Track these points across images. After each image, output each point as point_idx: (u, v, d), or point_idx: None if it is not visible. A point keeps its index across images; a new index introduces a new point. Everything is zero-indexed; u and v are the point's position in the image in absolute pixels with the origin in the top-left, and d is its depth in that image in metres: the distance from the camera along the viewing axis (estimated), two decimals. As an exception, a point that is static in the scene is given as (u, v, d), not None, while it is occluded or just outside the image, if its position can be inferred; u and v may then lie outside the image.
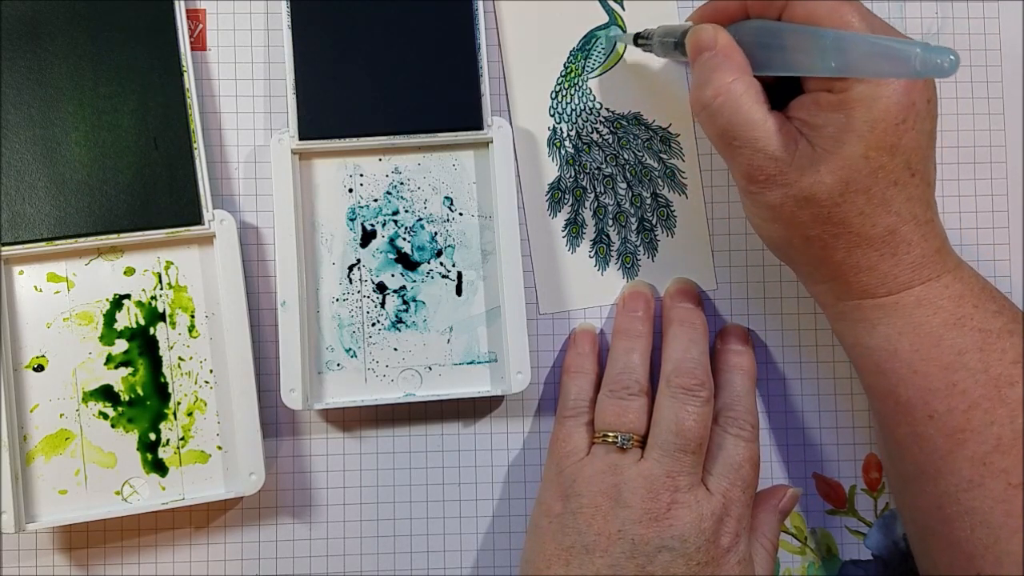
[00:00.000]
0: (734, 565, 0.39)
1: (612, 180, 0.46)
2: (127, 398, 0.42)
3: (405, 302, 0.44)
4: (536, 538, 0.41)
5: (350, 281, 0.44)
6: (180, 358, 0.43)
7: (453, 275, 0.44)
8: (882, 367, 0.38)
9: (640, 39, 0.43)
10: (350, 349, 0.44)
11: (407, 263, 0.44)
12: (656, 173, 0.46)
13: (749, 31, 0.37)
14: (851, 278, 0.37)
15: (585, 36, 0.46)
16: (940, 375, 0.37)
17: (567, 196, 0.45)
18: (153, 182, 0.42)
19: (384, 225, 0.44)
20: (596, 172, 0.46)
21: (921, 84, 0.36)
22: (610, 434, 0.40)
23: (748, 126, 0.36)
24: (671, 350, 0.42)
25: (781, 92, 0.38)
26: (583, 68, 0.46)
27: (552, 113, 0.45)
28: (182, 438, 0.43)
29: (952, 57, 0.29)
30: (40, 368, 0.42)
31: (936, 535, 0.38)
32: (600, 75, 0.46)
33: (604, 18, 0.46)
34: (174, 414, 0.43)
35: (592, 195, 0.46)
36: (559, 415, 0.43)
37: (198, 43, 0.45)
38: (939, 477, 0.37)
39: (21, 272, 0.42)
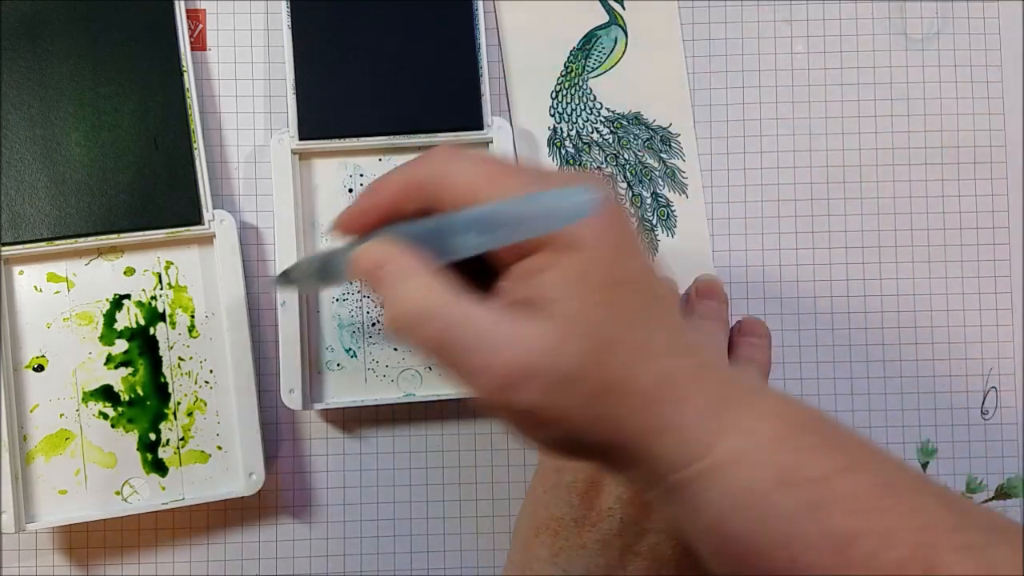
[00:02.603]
0: None
1: (612, 180, 0.46)
2: (127, 398, 0.42)
3: (405, 302, 0.44)
4: (530, 505, 0.41)
5: (350, 281, 0.44)
6: (180, 358, 0.43)
7: (453, 275, 0.44)
8: (721, 553, 0.31)
9: (283, 278, 0.38)
10: (350, 349, 0.43)
11: (407, 263, 0.44)
12: (656, 173, 0.46)
13: (409, 234, 0.32)
14: (653, 446, 0.30)
15: (585, 36, 0.46)
16: (780, 553, 0.30)
17: (567, 196, 0.45)
18: (153, 182, 0.42)
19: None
20: (596, 172, 0.46)
21: (612, 210, 0.30)
22: None
23: (458, 329, 0.30)
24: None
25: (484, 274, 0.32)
26: (583, 68, 0.46)
27: (552, 113, 0.45)
28: (182, 438, 0.43)
29: (592, 194, 0.27)
30: (40, 368, 0.42)
31: None
32: (601, 75, 0.46)
33: (605, 18, 0.46)
34: (174, 414, 0.43)
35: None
36: None
37: (198, 43, 0.45)
38: None
39: (21, 272, 0.42)
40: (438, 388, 0.44)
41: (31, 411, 0.42)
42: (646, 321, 0.30)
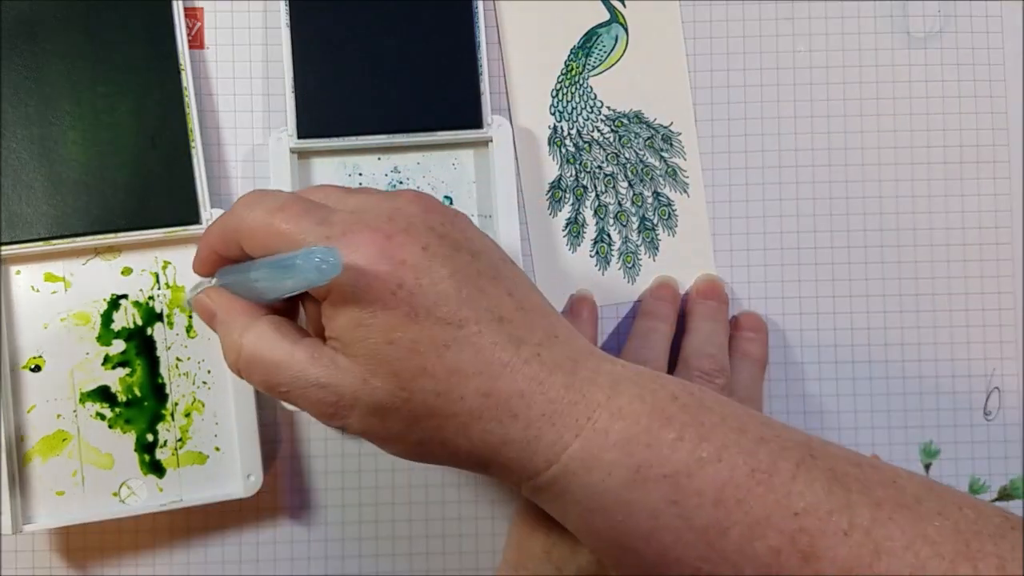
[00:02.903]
0: None
1: (613, 179, 0.45)
2: (124, 399, 0.42)
3: (405, 302, 0.44)
4: (524, 503, 0.41)
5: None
6: (178, 358, 0.43)
7: (453, 275, 0.44)
8: (597, 547, 0.32)
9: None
10: (349, 349, 0.43)
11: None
12: (657, 172, 0.46)
13: (225, 278, 0.35)
14: (498, 459, 0.31)
15: (586, 34, 0.45)
16: (647, 548, 0.30)
17: (568, 195, 0.45)
18: (151, 181, 0.42)
19: (383, 225, 0.44)
20: (597, 171, 0.45)
21: (403, 238, 0.31)
22: None
23: (280, 367, 0.32)
24: (692, 336, 0.42)
25: None
26: (584, 66, 0.45)
27: (553, 111, 0.45)
28: (180, 439, 0.42)
29: (331, 259, 0.28)
30: (37, 369, 0.42)
31: None
32: (601, 73, 0.45)
33: (605, 16, 0.45)
34: (172, 415, 0.42)
35: (593, 194, 0.45)
36: None
37: (196, 42, 0.44)
38: None
39: (18, 272, 0.42)
40: (438, 388, 0.43)
41: (28, 412, 0.42)
42: (443, 347, 0.30)
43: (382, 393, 0.31)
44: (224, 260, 0.36)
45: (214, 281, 0.36)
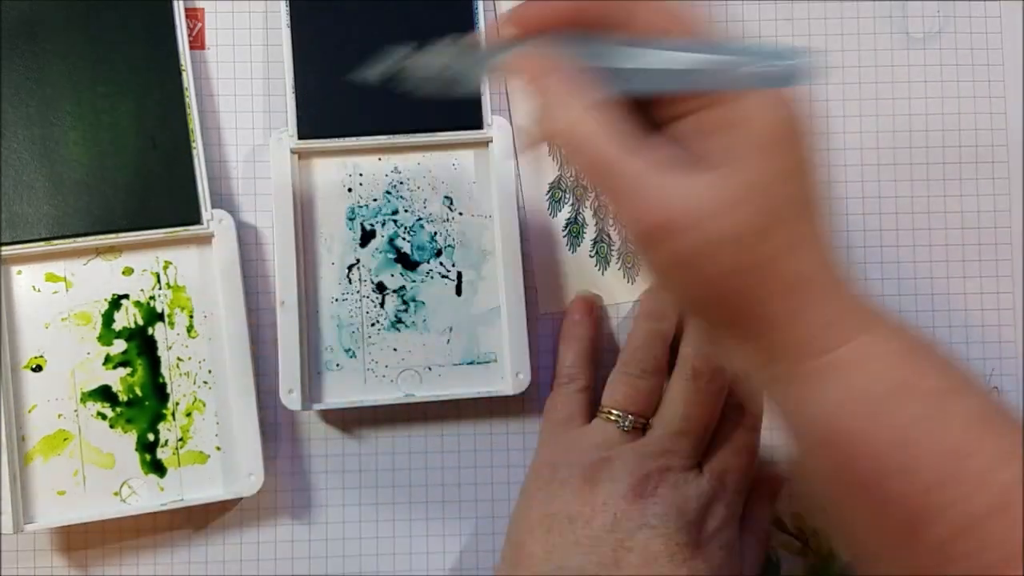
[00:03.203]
0: (716, 550, 0.38)
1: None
2: (125, 398, 0.42)
3: (405, 302, 0.44)
4: (524, 501, 0.41)
5: (349, 281, 0.44)
6: (179, 358, 0.43)
7: (453, 275, 0.44)
8: (828, 444, 0.32)
9: (390, 79, 0.33)
10: (349, 349, 0.43)
11: (407, 263, 0.44)
12: (657, 172, 0.45)
13: (588, 47, 0.30)
14: (779, 332, 0.31)
15: (585, 35, 0.45)
16: (893, 453, 0.31)
17: (567, 195, 0.45)
18: (152, 182, 0.42)
19: (383, 225, 0.44)
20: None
21: (791, 96, 0.30)
22: (614, 413, 0.40)
23: (615, 166, 0.29)
24: (692, 335, 0.42)
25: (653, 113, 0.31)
26: (583, 67, 0.45)
27: (552, 112, 0.45)
28: (181, 439, 0.42)
29: (810, 60, 0.26)
30: (38, 368, 0.42)
31: None
32: (600, 74, 0.45)
33: (604, 17, 0.45)
34: (173, 414, 0.42)
35: (593, 194, 0.45)
36: (554, 382, 0.43)
37: (197, 42, 0.44)
38: (895, 563, 0.33)
39: (19, 272, 0.42)
40: (438, 388, 0.43)
41: (29, 411, 0.42)
42: (815, 211, 0.30)
43: (740, 227, 0.29)
44: (564, 23, 0.30)
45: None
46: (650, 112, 0.31)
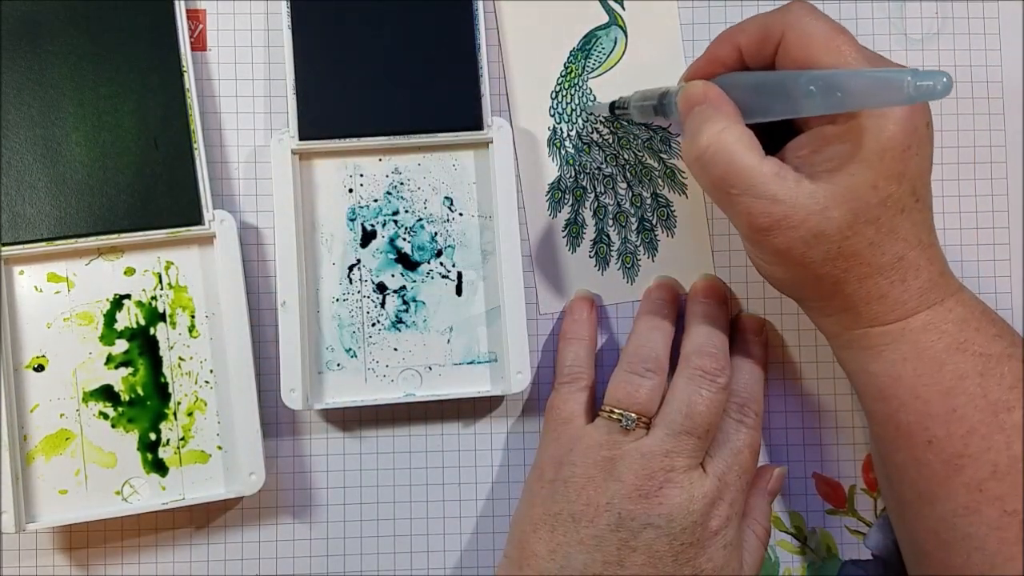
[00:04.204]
0: (719, 549, 0.39)
1: (612, 180, 0.46)
2: (127, 398, 0.42)
3: (405, 302, 0.44)
4: (527, 500, 0.41)
5: (350, 281, 0.44)
6: (180, 358, 0.43)
7: (453, 275, 0.44)
8: (884, 393, 0.38)
9: (617, 108, 0.44)
10: (350, 349, 0.44)
11: (407, 263, 0.44)
12: (656, 173, 0.46)
13: (738, 84, 0.37)
14: (862, 308, 0.37)
15: (585, 36, 0.46)
16: (940, 400, 0.37)
17: (567, 196, 0.45)
18: (153, 182, 0.42)
19: (384, 225, 0.44)
20: (596, 172, 0.46)
21: (921, 108, 0.36)
22: (616, 411, 0.40)
23: (744, 172, 0.35)
24: (692, 335, 0.42)
25: (774, 138, 0.38)
26: (583, 68, 0.46)
27: (552, 113, 0.45)
28: (182, 438, 0.43)
29: (945, 79, 0.30)
30: (40, 368, 0.42)
31: (933, 560, 0.38)
32: (600, 75, 0.46)
33: (604, 18, 0.46)
34: (174, 414, 0.43)
35: (592, 195, 0.46)
36: (555, 381, 0.43)
37: (198, 43, 0.45)
38: (936, 502, 0.37)
39: (21, 272, 0.42)
40: (438, 388, 0.44)
41: (31, 411, 0.42)
42: (900, 210, 0.36)
43: (832, 225, 0.35)
44: (731, 63, 0.39)
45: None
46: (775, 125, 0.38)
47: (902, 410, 0.38)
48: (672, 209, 0.46)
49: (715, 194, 0.37)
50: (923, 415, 0.37)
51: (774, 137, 0.38)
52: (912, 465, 0.38)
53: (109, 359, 0.42)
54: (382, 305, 0.44)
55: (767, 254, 0.37)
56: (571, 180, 0.45)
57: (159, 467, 0.42)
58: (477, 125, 0.43)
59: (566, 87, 0.45)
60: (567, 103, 0.45)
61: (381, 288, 0.44)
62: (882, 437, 0.39)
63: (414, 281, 0.44)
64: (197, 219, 0.42)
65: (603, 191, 0.46)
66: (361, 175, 0.44)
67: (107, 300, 0.43)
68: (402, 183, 0.44)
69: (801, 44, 0.36)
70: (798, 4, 0.37)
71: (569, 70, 0.46)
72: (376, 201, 0.44)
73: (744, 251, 0.46)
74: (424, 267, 0.44)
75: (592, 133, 0.46)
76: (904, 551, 0.41)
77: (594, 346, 0.44)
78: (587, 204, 0.46)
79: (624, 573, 0.38)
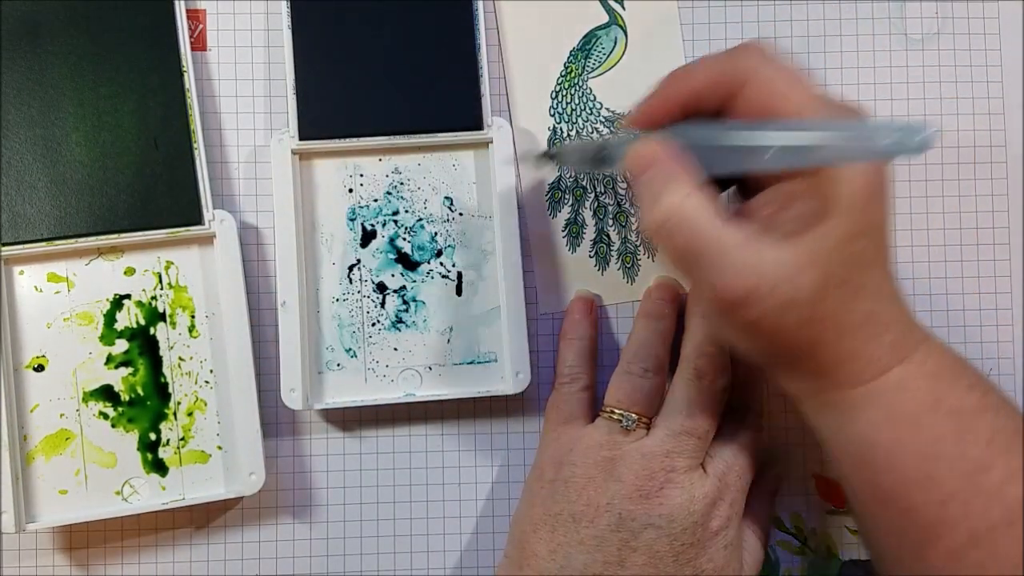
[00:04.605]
0: (720, 549, 0.39)
1: (612, 180, 0.46)
2: (127, 398, 0.42)
3: (405, 302, 0.44)
4: (527, 500, 0.41)
5: (350, 281, 0.44)
6: (180, 358, 0.43)
7: (453, 275, 0.44)
8: (862, 459, 0.36)
9: (546, 156, 0.41)
10: (350, 349, 0.44)
11: (407, 263, 0.44)
12: (656, 173, 0.46)
13: (695, 137, 0.34)
14: (836, 370, 0.35)
15: (585, 36, 0.46)
16: (917, 466, 0.35)
17: (567, 196, 0.45)
18: (153, 182, 0.42)
19: (384, 225, 0.44)
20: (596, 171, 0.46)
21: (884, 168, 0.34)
22: (616, 412, 0.40)
23: (710, 244, 0.33)
24: (693, 335, 0.42)
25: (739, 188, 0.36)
26: (583, 68, 0.46)
27: (552, 113, 0.45)
28: (182, 438, 0.43)
29: (930, 133, 0.28)
30: (40, 368, 0.42)
31: None
32: (601, 75, 0.46)
33: (604, 18, 0.46)
34: (174, 414, 0.43)
35: (592, 195, 0.46)
36: (555, 382, 0.43)
37: (198, 43, 0.45)
38: (915, 565, 0.36)
39: (21, 272, 0.42)
40: (438, 388, 0.44)
41: (31, 411, 0.42)
42: (869, 266, 0.34)
43: (804, 291, 0.33)
44: (680, 112, 0.36)
45: (658, 135, 0.35)
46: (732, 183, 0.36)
47: (879, 477, 0.36)
48: (672, 209, 0.46)
49: (679, 265, 0.34)
50: (900, 482, 0.35)
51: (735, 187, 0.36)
52: (891, 532, 0.36)
53: (109, 359, 0.42)
54: (382, 305, 0.44)
55: (737, 327, 0.35)
56: (571, 180, 0.45)
57: (159, 467, 0.42)
58: (477, 125, 0.43)
59: (566, 87, 0.45)
60: (567, 103, 0.45)
61: (381, 288, 0.44)
62: (859, 501, 0.38)
63: (414, 281, 0.44)
64: (197, 219, 0.42)
65: (603, 191, 0.46)
66: (361, 175, 0.44)
67: (107, 300, 0.43)
68: (402, 183, 0.44)
69: (763, 93, 0.33)
70: (755, 48, 0.35)
71: (569, 70, 0.46)
72: (376, 201, 0.44)
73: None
74: (424, 267, 0.44)
75: (592, 133, 0.46)
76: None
77: (594, 346, 0.44)
78: (587, 204, 0.46)
79: (624, 573, 0.38)
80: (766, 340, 0.35)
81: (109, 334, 0.42)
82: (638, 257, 0.45)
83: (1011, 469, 0.34)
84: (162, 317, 0.43)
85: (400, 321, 0.44)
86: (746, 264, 0.33)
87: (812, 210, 0.33)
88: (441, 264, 0.44)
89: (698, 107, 0.35)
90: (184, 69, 0.43)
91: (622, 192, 0.46)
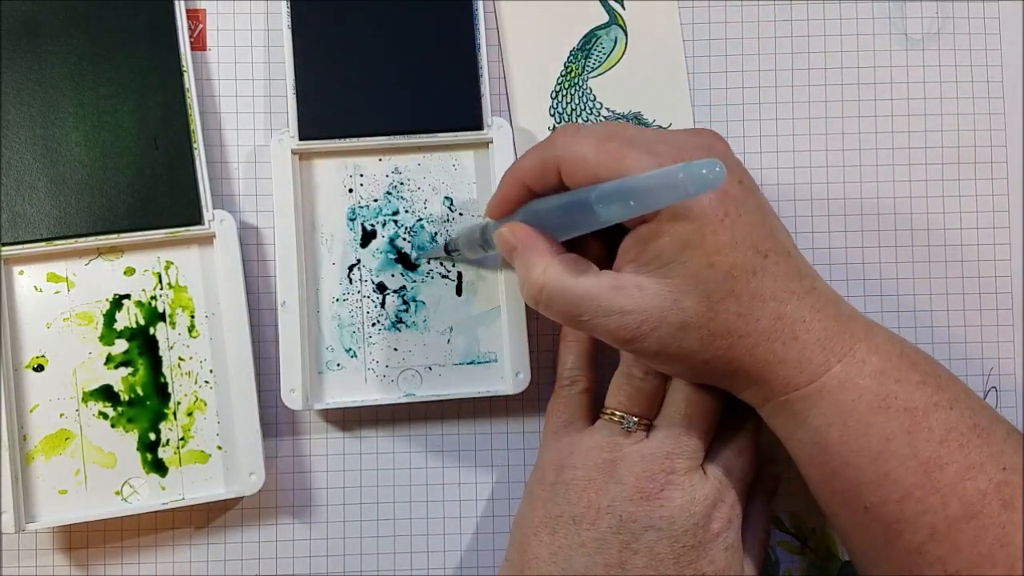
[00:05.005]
0: (721, 551, 0.39)
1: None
2: (127, 398, 0.42)
3: (405, 302, 0.44)
4: (528, 503, 0.41)
5: (350, 281, 0.44)
6: (180, 358, 0.43)
7: (453, 275, 0.44)
8: (815, 460, 0.37)
9: (450, 250, 0.43)
10: (350, 349, 0.44)
11: (407, 263, 0.44)
12: (656, 173, 0.46)
13: (539, 212, 0.37)
14: (768, 377, 0.36)
15: (585, 36, 0.46)
16: (871, 466, 0.35)
17: (567, 196, 0.45)
18: (153, 182, 0.42)
19: (384, 225, 0.44)
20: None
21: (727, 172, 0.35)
22: (617, 414, 0.40)
23: (584, 299, 0.35)
24: None
25: (611, 237, 0.37)
26: (583, 68, 0.46)
27: (552, 113, 0.45)
28: (182, 438, 0.43)
29: (717, 168, 0.29)
30: (40, 368, 0.42)
31: None
32: (601, 75, 0.46)
33: (604, 17, 0.46)
34: (174, 414, 0.43)
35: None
36: (555, 384, 0.43)
37: (198, 43, 0.45)
38: (880, 561, 0.37)
39: (21, 272, 0.42)
40: (438, 388, 0.44)
41: (31, 411, 0.42)
42: (753, 272, 0.34)
43: (690, 313, 0.34)
44: (525, 196, 0.38)
45: (514, 218, 0.38)
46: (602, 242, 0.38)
47: (834, 478, 0.36)
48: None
49: (571, 325, 0.36)
50: (856, 483, 0.36)
51: (610, 237, 0.37)
52: (852, 528, 0.37)
53: (109, 359, 0.42)
54: (382, 305, 0.44)
55: (649, 359, 0.36)
56: (571, 180, 0.45)
57: (159, 467, 0.42)
58: (477, 125, 0.43)
59: (566, 87, 0.45)
60: (567, 103, 0.45)
61: (381, 288, 0.44)
62: (821, 501, 0.38)
63: (414, 281, 0.44)
64: (197, 219, 0.42)
65: (603, 191, 0.46)
66: (361, 175, 0.44)
67: (107, 300, 0.43)
68: (402, 183, 0.44)
69: (578, 168, 0.35)
70: (561, 131, 0.36)
71: (569, 70, 0.46)
72: (376, 201, 0.44)
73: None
74: (424, 267, 0.44)
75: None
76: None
77: (594, 349, 0.44)
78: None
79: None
80: (683, 363, 0.36)
81: (109, 334, 0.42)
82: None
83: (968, 463, 0.35)
84: (162, 317, 0.43)
85: (400, 321, 0.44)
86: (626, 304, 0.34)
87: (668, 245, 0.34)
88: (441, 264, 0.44)
89: (536, 193, 0.38)
90: (184, 69, 0.43)
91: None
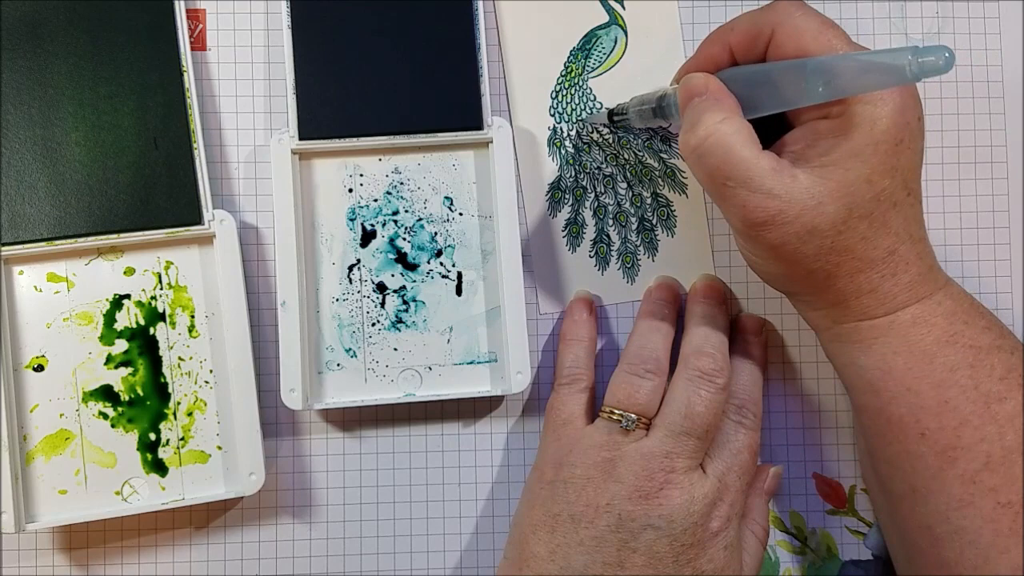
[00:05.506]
0: (720, 550, 0.39)
1: (612, 180, 0.46)
2: (127, 398, 0.42)
3: (405, 302, 0.44)
4: (527, 501, 0.41)
5: (350, 281, 0.44)
6: (180, 358, 0.43)
7: (453, 275, 0.44)
8: (875, 386, 0.38)
9: (616, 115, 0.44)
10: (350, 349, 0.44)
11: (407, 263, 0.44)
12: (656, 173, 0.46)
13: (737, 77, 0.37)
14: (852, 303, 0.37)
15: (585, 35, 0.46)
16: (932, 393, 0.37)
17: (567, 196, 0.45)
18: (153, 182, 0.42)
19: (384, 225, 0.44)
20: (596, 172, 0.46)
21: (913, 102, 0.36)
22: (616, 412, 0.40)
23: (741, 165, 0.35)
24: (692, 335, 0.42)
25: (769, 135, 0.38)
26: (583, 68, 0.46)
27: (552, 113, 0.45)
28: (182, 438, 0.43)
29: (947, 54, 0.29)
30: (40, 368, 0.42)
31: (925, 556, 0.38)
32: (600, 74, 0.46)
33: (604, 17, 0.46)
34: (174, 414, 0.43)
35: (592, 195, 0.46)
36: (555, 383, 0.43)
37: (198, 43, 0.45)
38: (929, 496, 0.37)
39: (21, 272, 0.42)
40: (438, 388, 0.44)
41: (31, 411, 0.42)
42: (893, 204, 0.36)
43: (826, 219, 0.35)
44: (724, 61, 0.39)
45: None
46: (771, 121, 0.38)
47: (893, 403, 0.37)
48: (672, 209, 0.46)
49: (710, 186, 0.36)
50: (915, 407, 0.37)
51: (769, 134, 0.38)
52: (904, 458, 0.38)
53: (109, 359, 0.42)
54: (382, 305, 0.44)
55: (760, 249, 0.37)
56: (571, 180, 0.45)
57: (159, 467, 0.42)
58: (477, 125, 0.43)
59: (566, 87, 0.45)
60: (567, 103, 0.45)
61: (381, 288, 0.44)
62: (873, 431, 0.39)
63: (414, 281, 0.44)
64: (197, 219, 0.42)
65: (603, 191, 0.46)
66: (361, 175, 0.44)
67: (107, 300, 0.43)
68: (402, 183, 0.44)
69: (792, 38, 0.36)
70: (785, 3, 0.37)
71: (569, 70, 0.46)
72: (376, 201, 0.44)
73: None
74: (424, 267, 0.44)
75: (592, 133, 0.46)
76: (894, 551, 0.41)
77: (594, 347, 0.44)
78: (587, 204, 0.46)
79: (624, 574, 0.38)
80: (787, 265, 0.37)
81: (109, 334, 0.42)
82: (638, 257, 0.45)
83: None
84: (162, 317, 0.43)
85: (400, 321, 0.44)
86: (775, 188, 0.35)
87: (841, 147, 0.35)
88: (441, 264, 0.44)
89: (735, 61, 0.39)
90: (184, 69, 0.43)
91: (622, 192, 0.46)
